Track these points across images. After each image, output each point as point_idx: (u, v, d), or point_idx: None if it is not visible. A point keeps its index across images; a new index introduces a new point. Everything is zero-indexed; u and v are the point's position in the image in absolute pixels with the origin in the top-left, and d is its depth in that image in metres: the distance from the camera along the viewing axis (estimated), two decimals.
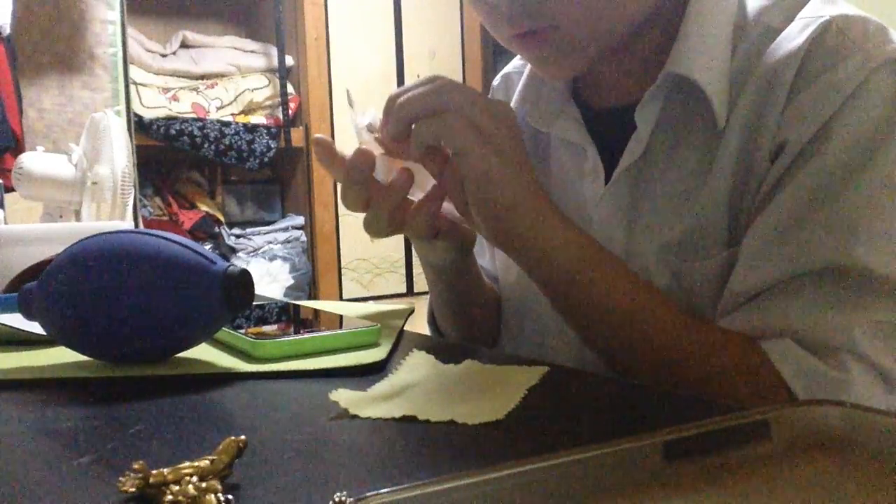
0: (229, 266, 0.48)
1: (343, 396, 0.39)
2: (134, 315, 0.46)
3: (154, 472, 0.27)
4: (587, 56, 0.62)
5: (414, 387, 0.43)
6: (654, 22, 0.63)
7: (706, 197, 0.59)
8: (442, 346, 0.56)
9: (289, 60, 2.78)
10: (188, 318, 0.47)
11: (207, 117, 2.60)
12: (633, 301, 0.56)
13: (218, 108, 2.66)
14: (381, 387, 0.43)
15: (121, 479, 0.27)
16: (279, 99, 2.75)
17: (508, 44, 0.63)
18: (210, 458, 0.28)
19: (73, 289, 0.47)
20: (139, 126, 2.45)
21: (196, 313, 0.47)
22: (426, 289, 0.78)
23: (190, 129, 2.52)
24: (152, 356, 0.49)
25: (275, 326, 0.61)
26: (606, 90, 0.69)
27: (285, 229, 2.76)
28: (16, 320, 0.57)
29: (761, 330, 0.55)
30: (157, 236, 0.48)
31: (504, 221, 0.54)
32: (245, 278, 0.48)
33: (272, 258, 2.68)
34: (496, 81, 0.84)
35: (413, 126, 0.54)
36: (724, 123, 0.59)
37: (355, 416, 0.37)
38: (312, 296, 2.73)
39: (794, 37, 0.58)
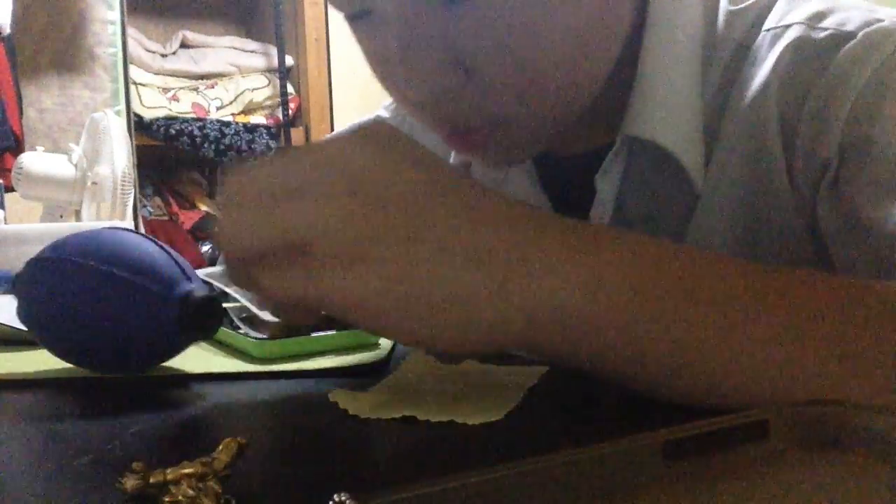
0: (191, 291, 0.44)
1: (343, 397, 0.39)
2: (86, 328, 0.44)
3: (154, 472, 0.27)
4: (539, 145, 0.53)
5: (414, 387, 0.43)
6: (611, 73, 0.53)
7: None
8: None
9: (289, 60, 2.78)
10: (139, 342, 0.45)
11: (207, 117, 2.60)
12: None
13: (218, 108, 2.65)
14: (381, 387, 0.43)
15: (120, 479, 0.27)
16: (279, 99, 2.75)
17: (444, 139, 0.52)
18: (210, 458, 0.28)
19: (42, 288, 0.45)
20: (139, 126, 2.45)
21: (148, 337, 0.44)
22: None
23: (190, 129, 2.52)
24: (113, 370, 0.47)
25: None
26: (564, 140, 0.58)
27: None
28: (16, 320, 0.57)
29: None
30: (129, 240, 0.46)
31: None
32: (204, 306, 0.44)
33: None
34: (388, 114, 0.70)
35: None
36: (701, 184, 0.52)
37: (355, 416, 0.37)
38: None
39: (764, 56, 0.51)
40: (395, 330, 0.35)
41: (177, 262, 0.46)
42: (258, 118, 2.73)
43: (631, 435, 0.23)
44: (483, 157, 0.53)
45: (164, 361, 0.47)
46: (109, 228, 0.48)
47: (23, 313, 0.47)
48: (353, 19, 0.48)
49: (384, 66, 0.49)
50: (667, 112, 0.51)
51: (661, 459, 0.23)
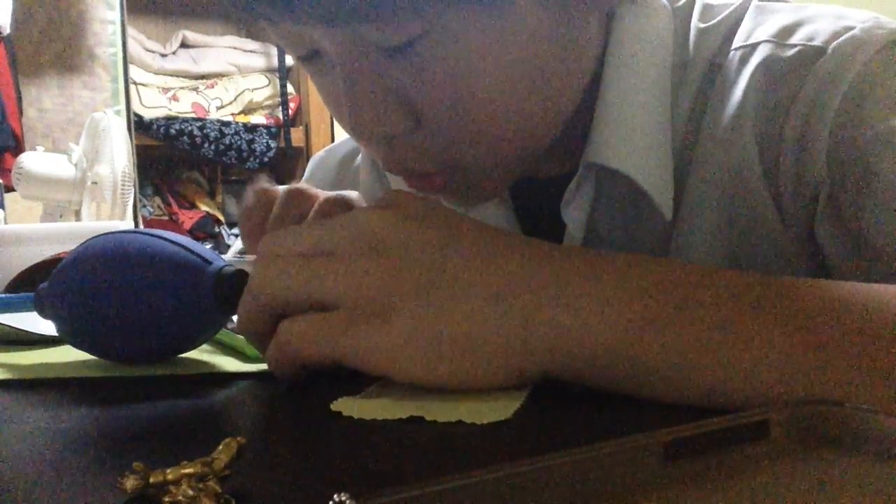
0: (223, 266, 0.47)
1: (346, 405, 0.39)
2: (126, 315, 0.46)
3: (154, 472, 0.27)
4: (503, 185, 0.52)
5: (417, 386, 0.43)
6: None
7: None
8: None
9: (289, 60, 2.78)
10: (179, 318, 0.47)
11: (207, 117, 2.60)
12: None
13: (218, 108, 2.66)
14: (384, 387, 0.42)
15: (120, 479, 0.27)
16: (279, 99, 2.75)
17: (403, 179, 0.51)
18: (210, 458, 0.28)
19: (74, 289, 0.47)
20: (139, 126, 2.45)
21: (186, 313, 0.47)
22: None
23: (190, 128, 2.52)
24: (152, 356, 0.49)
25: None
26: (535, 167, 0.55)
27: None
28: (18, 320, 0.57)
29: None
30: (156, 236, 0.48)
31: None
32: (239, 279, 0.47)
33: None
34: (360, 159, 0.68)
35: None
36: (669, 212, 0.49)
37: (361, 418, 0.37)
38: None
39: (735, 79, 0.49)
40: (424, 375, 0.37)
41: (193, 251, 0.47)
42: (258, 118, 2.73)
43: (631, 435, 0.23)
44: (444, 197, 0.52)
45: (204, 340, 0.50)
46: (114, 233, 0.49)
47: (58, 316, 0.49)
48: (304, 60, 0.47)
49: (336, 106, 0.48)
50: (630, 138, 0.49)
51: (662, 459, 0.23)
